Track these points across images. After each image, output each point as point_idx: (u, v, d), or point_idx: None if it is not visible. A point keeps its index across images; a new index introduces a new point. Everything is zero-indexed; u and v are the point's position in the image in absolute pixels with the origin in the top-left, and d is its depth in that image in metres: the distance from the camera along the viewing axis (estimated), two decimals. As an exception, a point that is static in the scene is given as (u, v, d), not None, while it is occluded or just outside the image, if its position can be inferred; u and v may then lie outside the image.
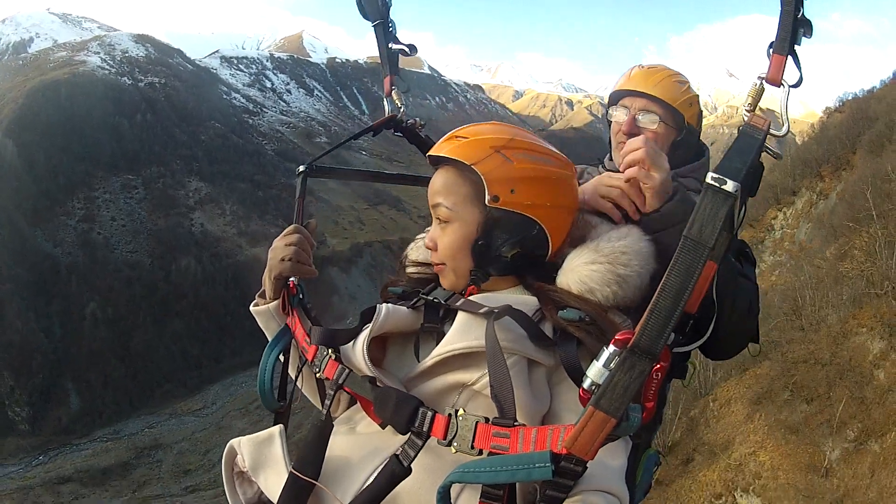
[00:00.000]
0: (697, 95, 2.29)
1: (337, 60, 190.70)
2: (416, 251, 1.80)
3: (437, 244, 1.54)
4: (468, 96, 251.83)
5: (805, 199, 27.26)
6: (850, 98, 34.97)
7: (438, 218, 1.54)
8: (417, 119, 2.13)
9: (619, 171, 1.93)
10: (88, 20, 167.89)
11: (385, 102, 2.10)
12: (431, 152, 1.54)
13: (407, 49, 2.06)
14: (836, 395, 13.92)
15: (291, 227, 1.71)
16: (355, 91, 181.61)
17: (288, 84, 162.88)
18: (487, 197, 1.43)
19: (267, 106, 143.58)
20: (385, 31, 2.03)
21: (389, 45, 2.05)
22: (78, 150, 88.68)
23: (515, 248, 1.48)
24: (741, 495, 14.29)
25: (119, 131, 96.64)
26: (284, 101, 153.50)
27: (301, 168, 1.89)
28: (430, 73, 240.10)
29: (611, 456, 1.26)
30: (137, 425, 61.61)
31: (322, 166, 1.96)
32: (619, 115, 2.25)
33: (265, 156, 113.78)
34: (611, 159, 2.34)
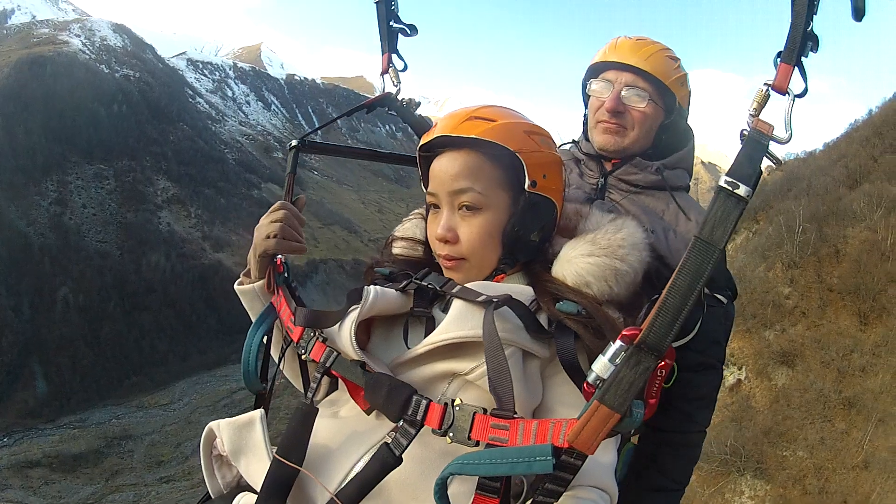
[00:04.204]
0: (687, 74, 2.07)
1: (296, 77, 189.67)
2: (403, 230, 1.73)
3: (459, 235, 1.44)
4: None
5: (743, 237, 33.28)
6: (791, 158, 40.34)
7: (462, 205, 1.43)
8: (413, 98, 2.05)
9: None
10: (65, 0, 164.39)
11: (381, 79, 2.01)
12: (453, 132, 1.40)
13: (408, 29, 1.96)
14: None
15: (278, 203, 1.63)
16: (310, 110, 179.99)
17: (248, 95, 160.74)
18: (527, 182, 1.39)
19: (228, 115, 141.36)
20: (388, 9, 1.92)
21: (390, 24, 1.94)
22: (57, 130, 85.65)
23: (541, 233, 1.48)
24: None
25: (96, 118, 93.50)
26: (244, 112, 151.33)
27: (294, 142, 1.83)
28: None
29: (602, 452, 1.23)
30: (104, 415, 59.36)
31: (315, 142, 1.90)
32: (601, 90, 2.01)
33: (228, 164, 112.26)
34: (587, 139, 2.14)
